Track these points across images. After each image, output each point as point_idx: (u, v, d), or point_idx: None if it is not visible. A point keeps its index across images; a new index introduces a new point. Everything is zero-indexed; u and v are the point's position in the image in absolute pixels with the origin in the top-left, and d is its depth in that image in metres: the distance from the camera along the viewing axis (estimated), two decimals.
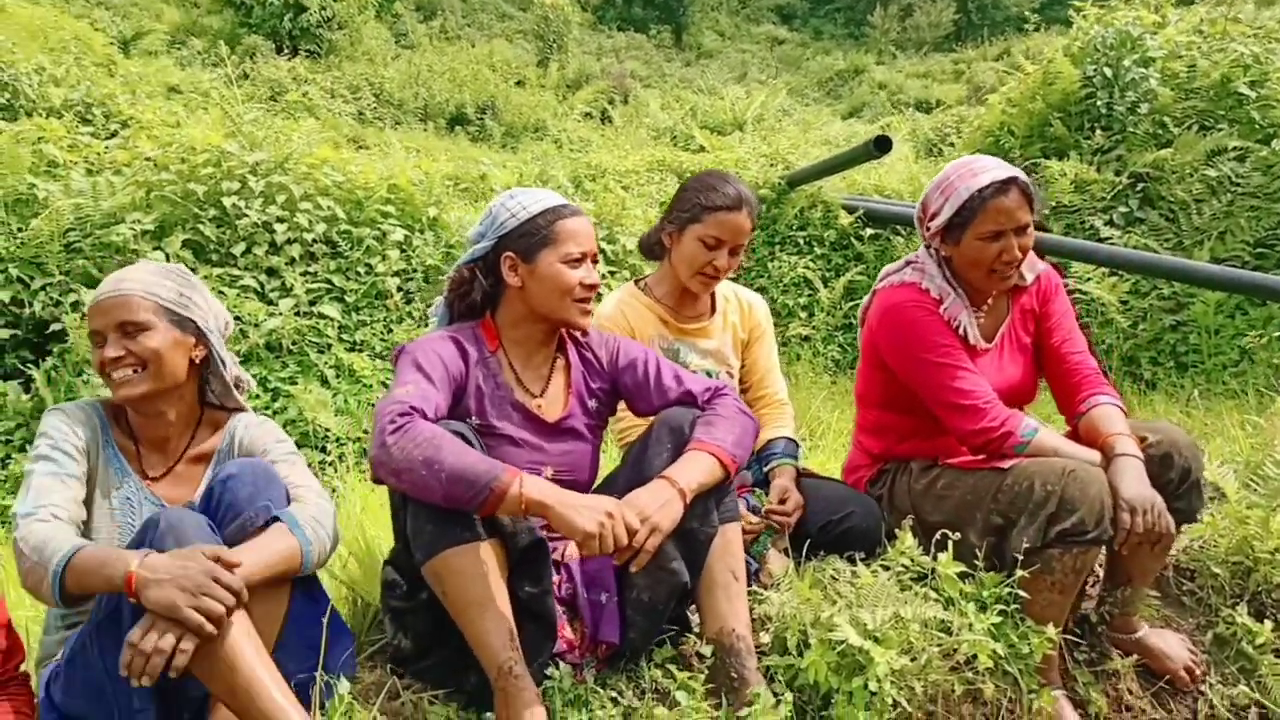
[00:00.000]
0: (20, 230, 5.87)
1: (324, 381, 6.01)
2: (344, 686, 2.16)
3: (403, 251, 6.72)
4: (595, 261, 2.60)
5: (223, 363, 2.45)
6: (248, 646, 1.97)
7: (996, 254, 2.79)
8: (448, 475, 2.13)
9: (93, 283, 5.82)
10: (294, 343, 6.08)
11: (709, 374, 3.16)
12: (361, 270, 6.57)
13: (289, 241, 6.38)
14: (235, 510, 2.14)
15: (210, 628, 1.89)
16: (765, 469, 3.18)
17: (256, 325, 5.91)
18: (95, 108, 9.69)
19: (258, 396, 5.75)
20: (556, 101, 17.87)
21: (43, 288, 5.80)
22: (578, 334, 2.74)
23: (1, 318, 5.73)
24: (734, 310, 3.32)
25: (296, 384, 5.87)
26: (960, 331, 2.90)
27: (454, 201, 7.75)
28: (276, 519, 2.16)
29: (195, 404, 2.49)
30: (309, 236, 6.45)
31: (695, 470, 2.35)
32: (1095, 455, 2.73)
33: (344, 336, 6.32)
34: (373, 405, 5.86)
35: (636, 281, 3.30)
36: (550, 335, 2.66)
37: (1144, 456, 2.70)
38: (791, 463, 3.16)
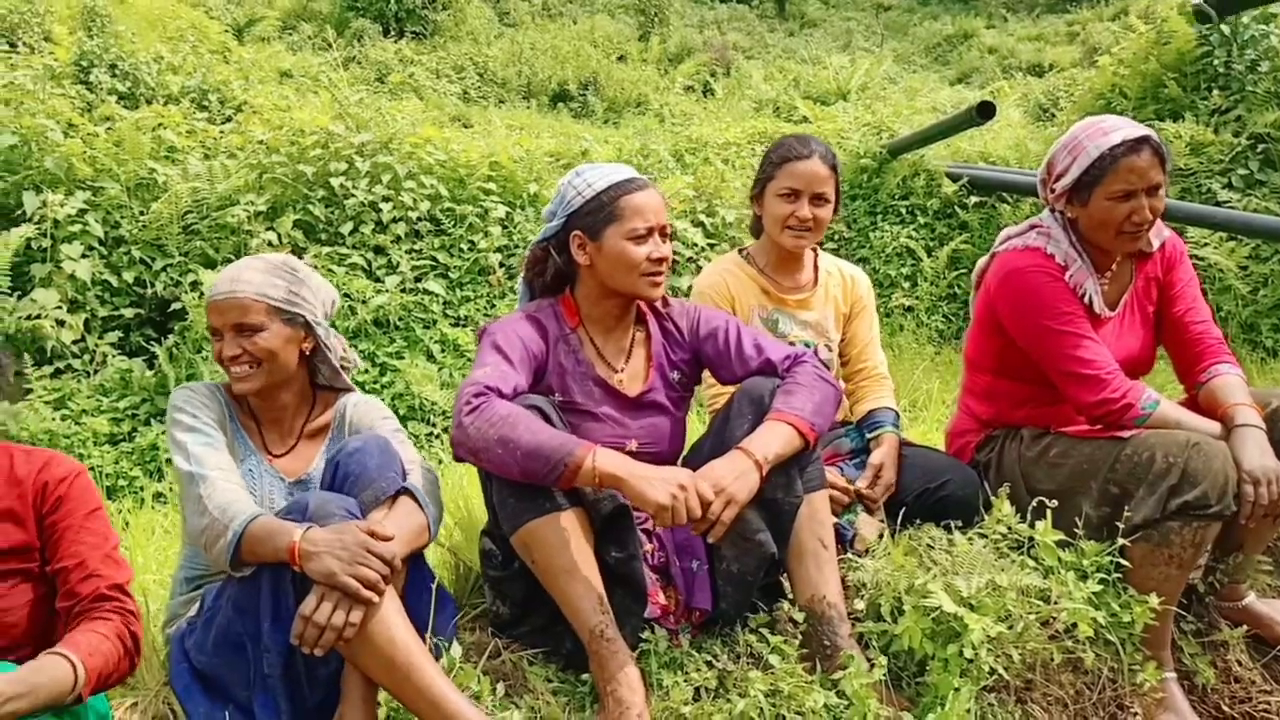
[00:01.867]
0: (142, 213, 6.12)
1: (429, 356, 6.14)
2: (456, 650, 2.23)
3: (504, 228, 6.82)
4: (665, 235, 2.58)
5: (329, 349, 2.55)
6: (402, 625, 2.07)
7: (1126, 215, 2.72)
8: (523, 452, 2.19)
9: (210, 263, 6.06)
10: (400, 318, 6.23)
11: (807, 345, 3.15)
12: (464, 247, 6.69)
13: (394, 220, 6.53)
14: (365, 481, 2.23)
15: (366, 593, 1.99)
16: (867, 436, 3.17)
17: (364, 302, 6.08)
18: (211, 94, 10.01)
19: (366, 371, 5.92)
20: (658, 76, 17.79)
21: (164, 268, 6.06)
22: (657, 305, 2.75)
23: (126, 297, 5.99)
24: (836, 283, 3.30)
25: (403, 359, 6.02)
26: (1085, 299, 2.83)
27: (556, 178, 7.82)
28: (406, 491, 2.25)
29: (308, 387, 2.60)
30: (413, 215, 6.59)
31: (773, 440, 2.34)
32: (1216, 427, 2.66)
33: (448, 312, 6.45)
34: None
35: (740, 250, 3.32)
36: (627, 309, 2.68)
37: (1265, 425, 2.63)
38: (894, 431, 3.14)
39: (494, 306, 6.48)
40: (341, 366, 2.60)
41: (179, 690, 2.28)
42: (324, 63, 14.45)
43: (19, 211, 5.70)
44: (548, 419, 2.33)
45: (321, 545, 2.02)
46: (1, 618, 2.00)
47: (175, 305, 5.91)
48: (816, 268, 3.29)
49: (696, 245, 6.99)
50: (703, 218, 7.31)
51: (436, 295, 6.40)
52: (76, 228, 5.78)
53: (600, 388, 2.61)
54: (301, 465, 2.54)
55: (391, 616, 2.06)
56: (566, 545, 2.27)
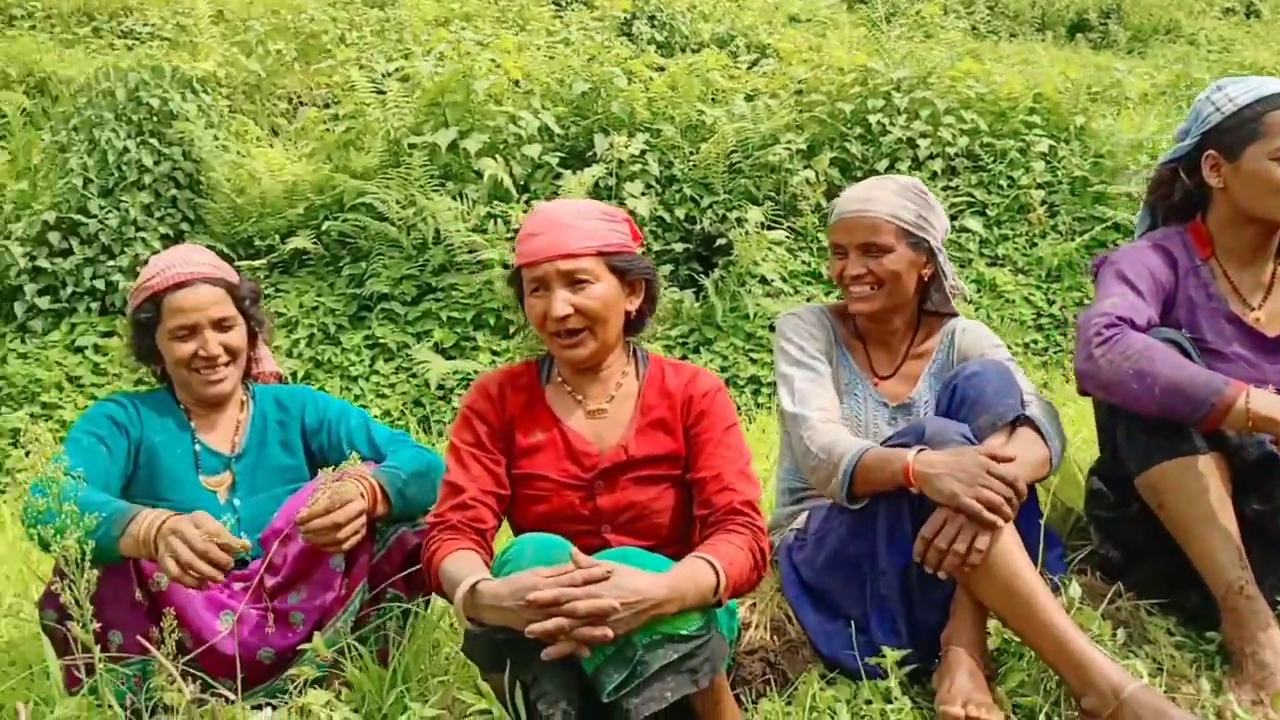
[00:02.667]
0: (692, 154, 6.50)
1: (965, 297, 6.04)
2: (1075, 589, 2.16)
3: (1047, 163, 6.54)
4: None
5: (944, 275, 2.51)
6: (1021, 557, 2.00)
7: None
8: (1161, 388, 2.04)
9: (754, 200, 6.33)
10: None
11: None
12: (1003, 183, 6.50)
13: (930, 156, 6.48)
14: (983, 405, 2.19)
15: (990, 516, 1.93)
16: None
17: None
18: (738, 39, 10.39)
19: None
20: None
21: (710, 205, 6.43)
22: None
23: (677, 232, 6.42)
24: None
25: None
26: None
27: (1095, 111, 7.35)
28: (1027, 420, 2.17)
29: (916, 312, 2.58)
30: (951, 150, 6.50)
31: None
32: None
33: (984, 251, 6.31)
34: (1015, 321, 5.80)
35: None
36: (1268, 239, 2.39)
37: None
38: None
39: (1034, 246, 6.25)
40: (950, 293, 2.57)
41: (790, 598, 2.39)
42: (830, 4, 14.54)
43: (590, 152, 6.28)
44: (1186, 355, 2.16)
45: (940, 466, 2.00)
46: (652, 518, 2.17)
47: (720, 241, 6.23)
48: None
49: None
50: None
51: (973, 233, 6.28)
52: (637, 167, 6.26)
53: (1233, 325, 2.38)
54: (905, 389, 2.54)
55: (1011, 546, 1.99)
56: (1204, 491, 2.11)
